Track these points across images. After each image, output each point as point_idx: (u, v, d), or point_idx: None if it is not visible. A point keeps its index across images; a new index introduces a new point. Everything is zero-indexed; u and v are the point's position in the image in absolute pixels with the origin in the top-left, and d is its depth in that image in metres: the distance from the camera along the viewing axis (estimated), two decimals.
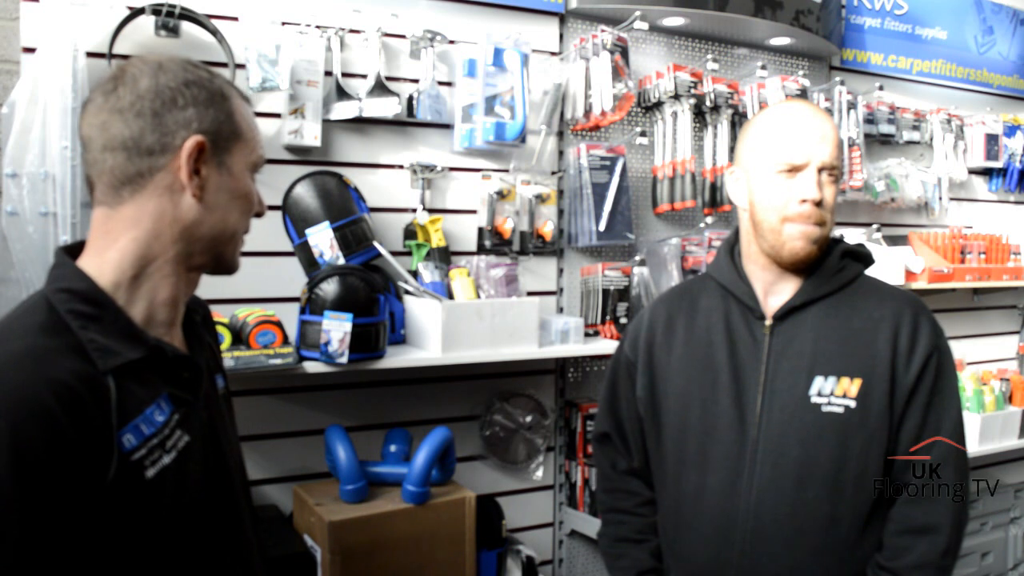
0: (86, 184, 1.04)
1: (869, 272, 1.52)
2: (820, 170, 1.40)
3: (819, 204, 1.39)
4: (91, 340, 0.93)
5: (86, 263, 1.00)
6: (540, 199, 2.48)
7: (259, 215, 1.13)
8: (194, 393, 1.06)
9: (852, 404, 1.39)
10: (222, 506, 1.08)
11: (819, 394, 1.40)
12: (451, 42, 2.34)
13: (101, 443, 0.90)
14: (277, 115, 2.12)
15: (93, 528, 0.89)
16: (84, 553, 0.89)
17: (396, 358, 2.02)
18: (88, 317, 0.95)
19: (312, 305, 1.90)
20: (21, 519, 0.83)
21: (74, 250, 1.03)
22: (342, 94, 2.17)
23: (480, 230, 2.40)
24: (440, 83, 2.31)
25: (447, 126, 2.35)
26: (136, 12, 1.91)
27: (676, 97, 2.62)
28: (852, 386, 1.39)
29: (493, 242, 2.40)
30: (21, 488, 0.83)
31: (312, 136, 2.12)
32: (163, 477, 0.96)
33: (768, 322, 1.46)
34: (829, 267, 1.46)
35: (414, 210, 2.30)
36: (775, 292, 1.48)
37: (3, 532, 0.83)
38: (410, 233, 2.29)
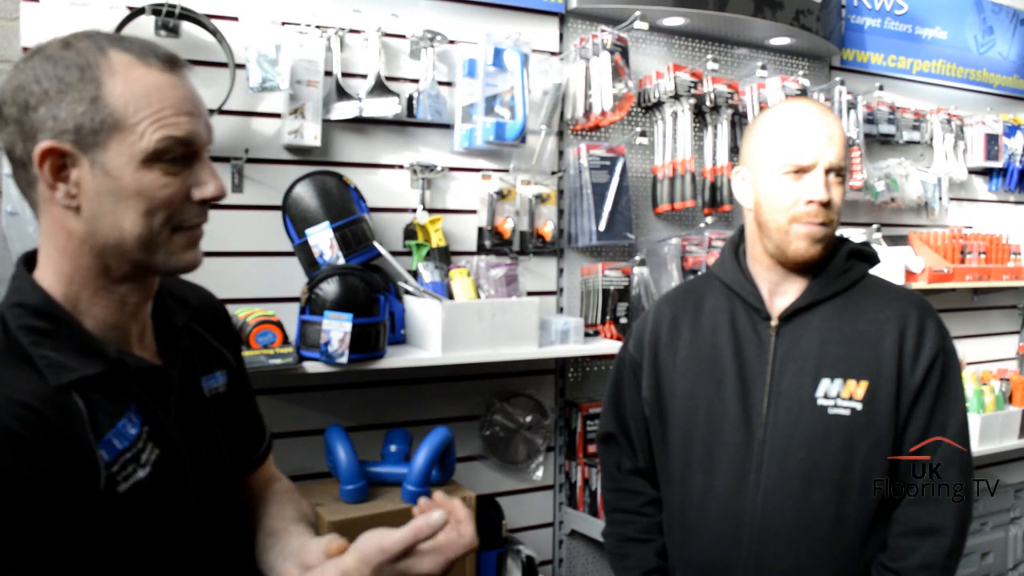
0: None
1: (873, 271, 1.52)
2: (827, 171, 1.40)
3: (826, 205, 1.39)
4: (43, 356, 0.88)
5: (39, 275, 0.94)
6: (540, 199, 2.48)
7: (206, 202, 0.95)
8: (163, 404, 0.99)
9: (858, 406, 1.39)
10: (198, 519, 1.02)
11: (825, 396, 1.40)
12: (451, 42, 2.34)
13: (82, 455, 0.87)
14: (277, 115, 2.12)
15: (84, 540, 0.87)
16: (75, 567, 0.86)
17: (396, 358, 2.02)
18: (41, 332, 0.90)
19: (312, 305, 1.90)
20: (12, 543, 0.82)
21: (33, 258, 0.97)
22: (342, 94, 2.16)
23: (480, 230, 2.40)
24: (440, 83, 2.31)
25: (447, 126, 2.35)
26: (136, 12, 1.90)
27: (676, 97, 2.62)
28: (858, 388, 1.39)
29: (493, 242, 2.40)
30: (6, 515, 0.81)
31: (312, 136, 2.12)
32: (136, 491, 0.92)
33: (774, 323, 1.46)
34: (835, 267, 1.46)
35: (414, 210, 2.30)
36: (781, 293, 1.48)
37: None
38: (410, 233, 2.29)
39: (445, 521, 0.95)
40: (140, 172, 0.89)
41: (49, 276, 0.94)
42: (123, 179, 0.89)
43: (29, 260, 0.97)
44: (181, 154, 0.92)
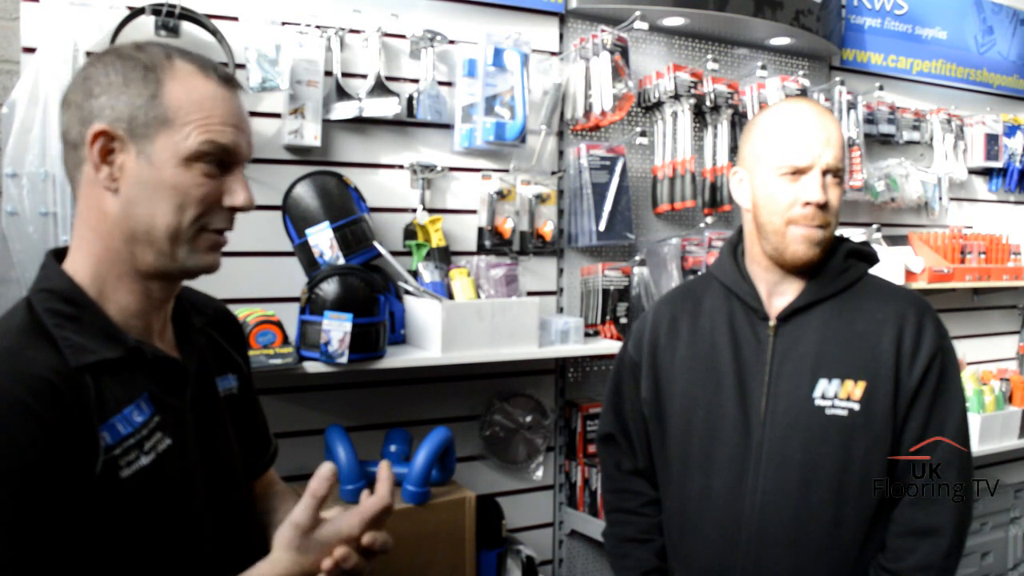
0: None
1: (873, 271, 1.52)
2: (825, 172, 1.40)
3: (823, 207, 1.39)
4: (65, 338, 0.93)
5: (68, 263, 1.00)
6: (540, 199, 2.48)
7: (235, 210, 1.02)
8: (179, 396, 1.03)
9: (856, 407, 1.39)
10: (214, 511, 1.05)
11: (823, 397, 1.40)
12: (451, 42, 2.34)
13: (85, 435, 0.90)
14: (277, 115, 2.12)
15: (80, 521, 0.89)
16: (70, 547, 0.88)
17: (396, 358, 2.02)
18: (65, 316, 0.94)
19: (312, 305, 1.90)
20: (14, 514, 0.84)
21: (63, 252, 1.03)
22: (342, 94, 2.16)
23: (480, 230, 2.40)
24: (440, 83, 2.31)
25: (447, 126, 2.35)
26: (136, 12, 1.91)
27: (676, 97, 2.62)
28: (856, 388, 1.39)
29: (493, 242, 2.40)
30: (9, 485, 0.84)
31: (312, 136, 2.12)
32: (138, 479, 0.94)
33: (772, 323, 1.46)
34: (833, 267, 1.46)
35: (414, 210, 2.30)
36: (779, 293, 1.48)
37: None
38: (410, 233, 2.29)
39: (333, 471, 1.00)
40: (180, 168, 0.97)
41: (80, 259, 0.99)
42: (164, 171, 0.96)
43: (58, 253, 1.03)
44: (220, 160, 1.00)
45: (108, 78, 0.96)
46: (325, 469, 0.99)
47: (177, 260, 0.99)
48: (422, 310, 2.13)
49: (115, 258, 0.98)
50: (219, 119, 0.99)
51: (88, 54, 1.82)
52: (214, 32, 1.99)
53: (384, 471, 1.06)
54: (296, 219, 2.05)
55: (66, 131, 0.99)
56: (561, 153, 2.56)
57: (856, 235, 3.08)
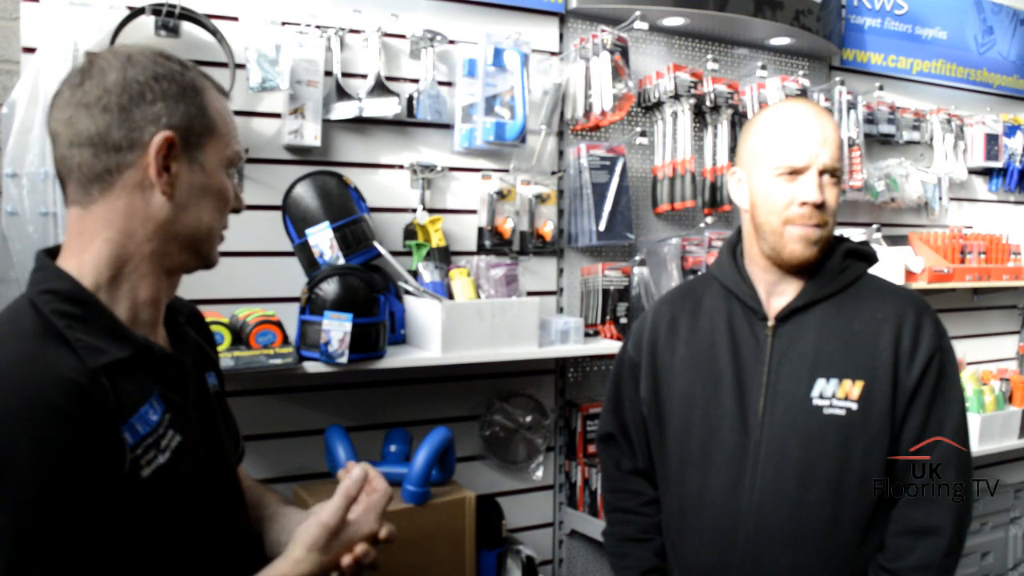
0: (59, 182, 1.01)
1: (873, 271, 1.52)
2: (821, 172, 1.40)
3: (820, 207, 1.39)
4: (78, 339, 0.92)
5: (65, 265, 0.98)
6: (540, 199, 2.48)
7: (236, 211, 1.10)
8: (183, 393, 1.05)
9: (854, 406, 1.39)
10: (216, 505, 1.07)
11: (821, 396, 1.40)
12: (451, 42, 2.34)
13: (111, 436, 0.91)
14: (277, 115, 2.12)
15: (110, 521, 0.90)
16: (102, 548, 0.89)
17: (396, 358, 2.02)
18: (73, 316, 0.94)
19: (312, 305, 1.90)
20: (52, 520, 0.84)
21: (54, 253, 1.01)
22: (342, 94, 2.16)
23: (480, 230, 2.40)
24: (440, 83, 2.31)
25: (447, 126, 2.35)
26: (136, 12, 1.91)
27: (676, 97, 2.62)
28: (854, 388, 1.39)
29: (493, 242, 2.40)
30: (49, 491, 0.84)
31: (312, 136, 2.12)
32: (158, 477, 0.95)
33: (771, 323, 1.46)
34: (832, 267, 1.46)
35: (414, 210, 2.30)
36: (777, 293, 1.48)
37: (35, 535, 0.83)
38: (410, 233, 2.29)
39: (366, 474, 1.08)
40: (222, 174, 1.05)
41: (90, 259, 0.98)
42: (213, 177, 1.04)
43: (51, 253, 1.02)
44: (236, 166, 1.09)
45: (160, 85, 0.98)
46: (358, 472, 1.06)
47: (204, 257, 1.07)
48: (422, 310, 2.13)
49: (146, 257, 1.00)
50: (234, 130, 1.08)
51: (88, 54, 1.82)
52: (214, 32, 1.99)
53: (371, 470, 1.14)
54: (296, 219, 2.05)
55: (102, 133, 0.96)
56: (561, 153, 2.56)
57: (856, 235, 3.08)
